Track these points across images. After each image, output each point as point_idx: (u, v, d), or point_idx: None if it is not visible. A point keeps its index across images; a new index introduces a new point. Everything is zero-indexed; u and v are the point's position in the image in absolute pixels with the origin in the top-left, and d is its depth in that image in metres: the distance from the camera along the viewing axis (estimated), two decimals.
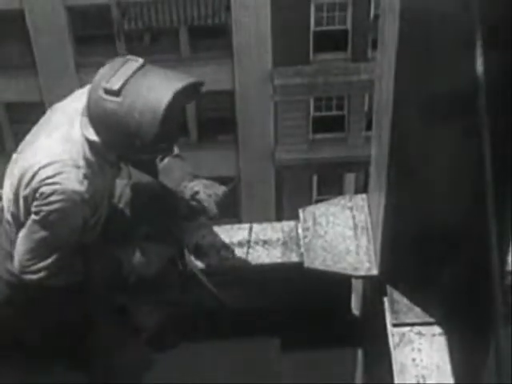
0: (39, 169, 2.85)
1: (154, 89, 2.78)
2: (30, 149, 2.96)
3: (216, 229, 3.50)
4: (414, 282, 3.08)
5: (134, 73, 2.80)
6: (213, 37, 18.10)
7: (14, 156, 3.06)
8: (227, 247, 3.41)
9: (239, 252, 3.40)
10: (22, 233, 2.94)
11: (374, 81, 3.06)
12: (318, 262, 3.27)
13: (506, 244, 2.99)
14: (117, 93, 2.76)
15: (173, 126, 2.85)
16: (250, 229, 3.47)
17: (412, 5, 2.38)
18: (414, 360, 2.99)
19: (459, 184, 2.79)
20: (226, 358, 3.77)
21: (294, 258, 3.36)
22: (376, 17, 16.66)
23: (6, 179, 3.04)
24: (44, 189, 2.84)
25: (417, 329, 3.06)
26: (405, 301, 3.10)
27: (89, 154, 2.89)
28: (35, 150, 2.92)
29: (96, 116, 2.82)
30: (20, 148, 3.06)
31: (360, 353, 3.89)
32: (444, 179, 2.79)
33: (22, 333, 3.27)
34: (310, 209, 3.46)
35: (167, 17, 17.71)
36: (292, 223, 3.49)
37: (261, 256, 3.38)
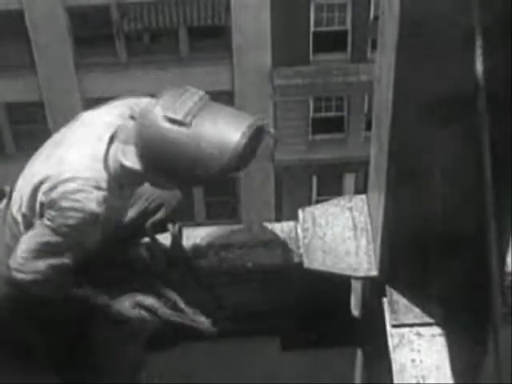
0: (62, 181, 2.85)
1: (227, 123, 2.78)
2: (54, 155, 2.95)
3: (215, 229, 3.50)
4: (413, 283, 3.08)
5: (199, 104, 2.78)
6: (212, 37, 18.10)
7: (34, 156, 3.05)
8: (226, 248, 3.41)
9: (238, 252, 3.40)
10: (29, 233, 2.95)
11: (373, 81, 3.06)
12: (317, 262, 3.27)
13: (506, 244, 2.99)
14: (182, 123, 2.73)
15: (236, 163, 2.83)
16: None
17: (411, 6, 2.39)
18: (413, 361, 2.99)
19: (459, 185, 2.79)
20: (226, 358, 3.77)
21: (294, 259, 3.36)
22: (376, 18, 16.66)
23: (22, 177, 3.04)
24: (63, 202, 2.84)
25: (416, 329, 3.06)
26: (404, 301, 3.10)
27: (114, 178, 2.88)
28: (60, 160, 2.91)
29: (149, 145, 2.77)
30: (42, 149, 3.05)
31: (359, 353, 3.89)
32: (443, 180, 2.79)
33: (20, 331, 3.27)
34: (310, 209, 3.46)
35: (167, 17, 17.72)
36: (291, 224, 3.49)
37: (261, 257, 3.39)
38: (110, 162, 2.88)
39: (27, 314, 3.18)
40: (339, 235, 3.35)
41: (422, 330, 3.06)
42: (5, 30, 17.36)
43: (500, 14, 2.37)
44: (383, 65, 2.75)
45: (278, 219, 16.77)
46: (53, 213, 2.87)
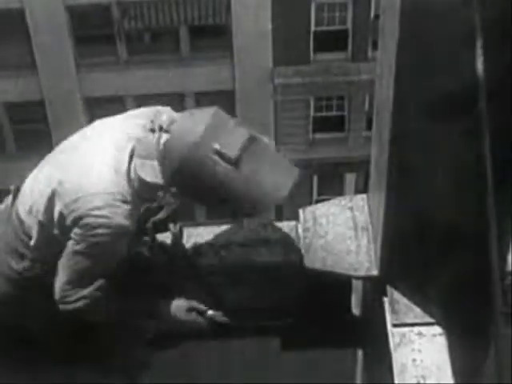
0: (87, 195, 2.80)
1: (276, 170, 2.80)
2: (71, 162, 2.91)
3: (216, 228, 3.49)
4: (414, 282, 3.08)
5: (247, 140, 2.77)
6: (213, 37, 18.12)
7: (46, 159, 3.02)
8: (226, 247, 3.41)
9: (239, 251, 3.40)
10: (63, 261, 2.91)
11: (374, 80, 3.06)
12: (318, 262, 3.27)
13: (506, 244, 2.99)
14: (233, 162, 2.72)
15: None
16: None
17: (412, 3, 2.38)
18: (414, 360, 2.99)
19: (459, 184, 2.79)
20: (226, 357, 3.77)
21: (294, 259, 3.36)
22: (376, 17, 16.67)
23: (33, 180, 3.00)
24: (90, 220, 2.79)
25: (417, 329, 3.06)
26: (405, 301, 3.10)
27: (137, 192, 2.86)
28: (81, 170, 2.86)
29: (192, 172, 2.75)
30: (54, 153, 3.03)
31: (360, 353, 3.89)
32: (444, 179, 2.79)
33: (21, 331, 3.27)
34: (311, 209, 3.46)
35: (167, 16, 17.73)
36: (292, 223, 3.49)
37: (261, 256, 3.38)
38: (132, 176, 2.85)
39: (29, 312, 3.17)
40: (340, 235, 3.34)
41: (423, 329, 3.06)
42: (5, 29, 17.38)
43: (501, 12, 2.37)
44: (384, 63, 2.75)
45: (279, 219, 16.79)
46: (80, 232, 2.82)
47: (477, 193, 2.54)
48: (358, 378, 3.97)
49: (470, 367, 3.17)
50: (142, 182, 2.85)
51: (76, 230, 2.83)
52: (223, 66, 18.19)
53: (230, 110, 18.74)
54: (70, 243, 2.86)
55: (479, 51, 2.32)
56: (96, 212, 2.79)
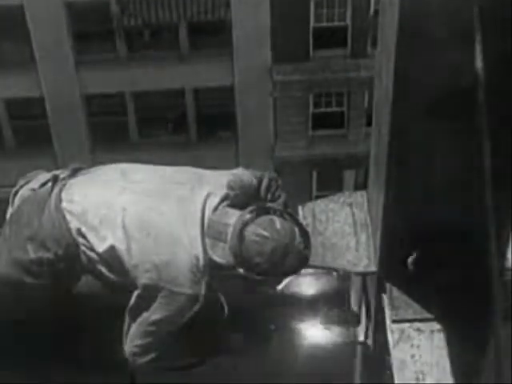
0: (180, 269, 2.92)
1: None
2: (152, 203, 2.97)
3: None
4: (413, 279, 3.08)
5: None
6: (212, 33, 18.10)
7: (132, 186, 3.05)
8: None
9: None
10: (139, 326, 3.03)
11: (373, 77, 3.06)
12: (317, 258, 3.27)
13: (506, 241, 2.99)
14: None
15: None
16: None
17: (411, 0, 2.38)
18: (413, 356, 2.99)
19: (458, 181, 2.79)
20: (226, 357, 3.77)
21: None
22: (376, 13, 16.65)
23: (109, 204, 2.99)
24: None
25: (416, 325, 3.06)
26: (404, 297, 3.10)
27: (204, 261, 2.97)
28: (171, 240, 2.93)
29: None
30: (143, 185, 3.05)
31: (359, 350, 3.89)
32: (443, 176, 2.79)
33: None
34: (310, 205, 3.46)
35: (167, 13, 17.70)
36: None
37: None
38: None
39: (27, 298, 3.16)
40: (339, 231, 3.34)
41: (421, 325, 3.06)
42: (5, 25, 17.37)
43: (500, 8, 2.37)
44: (383, 60, 2.75)
45: None
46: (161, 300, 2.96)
47: (476, 189, 2.54)
48: (358, 376, 3.98)
49: (468, 363, 3.17)
50: (210, 260, 2.95)
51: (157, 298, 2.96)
52: (222, 63, 18.16)
53: (230, 106, 18.74)
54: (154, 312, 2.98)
55: (478, 48, 2.32)
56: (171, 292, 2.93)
